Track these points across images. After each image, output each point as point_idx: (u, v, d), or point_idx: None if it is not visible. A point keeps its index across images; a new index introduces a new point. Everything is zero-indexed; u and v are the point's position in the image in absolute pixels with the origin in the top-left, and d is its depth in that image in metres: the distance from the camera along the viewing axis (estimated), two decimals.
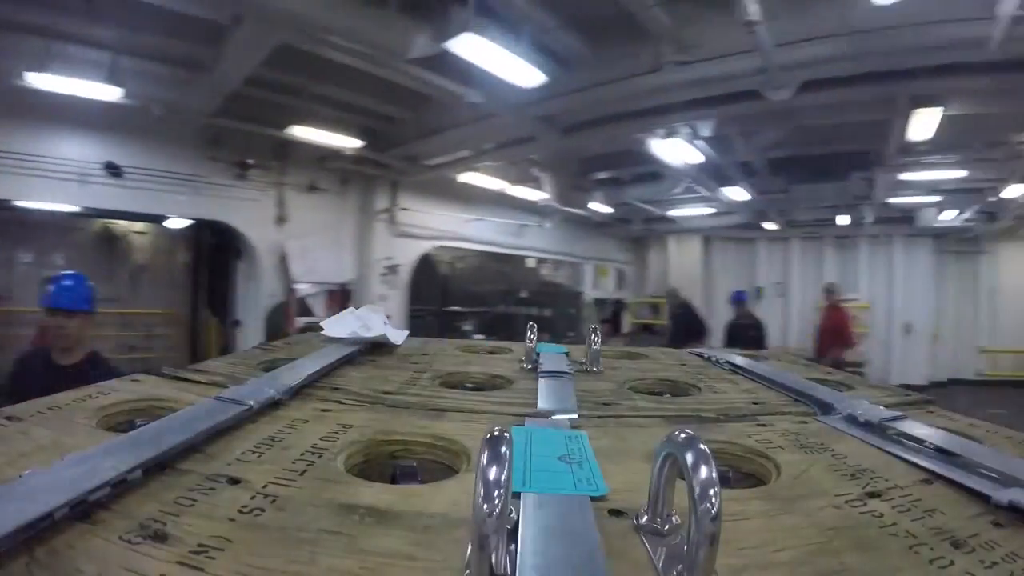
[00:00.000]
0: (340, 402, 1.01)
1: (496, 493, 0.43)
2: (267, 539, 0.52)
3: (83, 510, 0.53)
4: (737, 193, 8.84)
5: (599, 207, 10.03)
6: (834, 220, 11.39)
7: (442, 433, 0.83)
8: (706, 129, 6.11)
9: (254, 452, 0.73)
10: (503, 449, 0.47)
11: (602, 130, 5.90)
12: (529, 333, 1.45)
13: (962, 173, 8.08)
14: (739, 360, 1.53)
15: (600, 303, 13.60)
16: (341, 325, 1.61)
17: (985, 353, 11.96)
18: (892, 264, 12.80)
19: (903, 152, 7.09)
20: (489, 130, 5.93)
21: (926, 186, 9.11)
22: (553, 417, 0.95)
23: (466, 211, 9.13)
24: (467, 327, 9.38)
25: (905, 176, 8.14)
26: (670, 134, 5.92)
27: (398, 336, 1.66)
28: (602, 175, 9.08)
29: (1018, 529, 0.60)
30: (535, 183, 8.67)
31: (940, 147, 7.39)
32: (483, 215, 9.35)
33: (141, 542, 0.49)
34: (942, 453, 0.79)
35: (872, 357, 11.08)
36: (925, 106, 5.18)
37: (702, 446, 0.48)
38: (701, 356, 1.69)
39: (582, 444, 0.78)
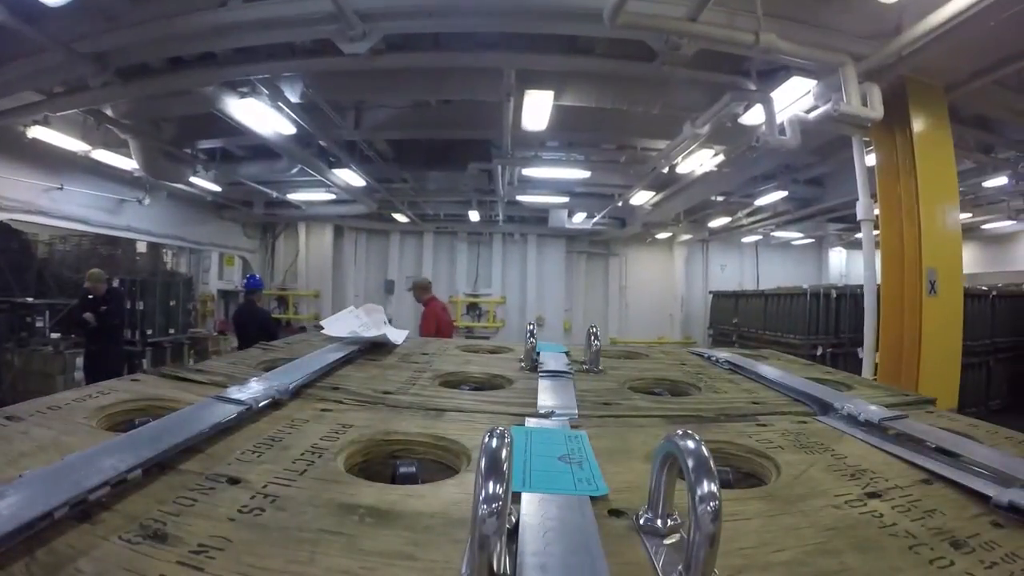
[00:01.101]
0: (340, 402, 1.01)
1: (496, 494, 0.43)
2: (267, 539, 0.52)
3: (83, 510, 0.53)
4: (350, 176, 8.22)
5: (204, 183, 8.77)
6: (467, 216, 11.85)
7: (442, 433, 0.83)
8: (293, 93, 5.56)
9: (254, 452, 0.73)
10: (503, 450, 0.47)
11: (166, 78, 5.11)
12: (528, 335, 1.45)
13: (586, 174, 8.24)
14: (739, 360, 1.53)
15: (227, 295, 12.56)
16: (341, 325, 1.61)
17: (616, 344, 13.08)
18: (526, 262, 14.04)
19: (523, 144, 7.01)
20: (42, 68, 4.83)
21: (552, 185, 9.44)
22: (553, 417, 0.95)
23: (48, 178, 7.36)
24: (40, 323, 7.78)
25: (529, 172, 8.21)
26: (249, 93, 5.28)
27: (398, 336, 1.66)
28: (206, 144, 7.96)
29: (1018, 529, 0.60)
30: (127, 149, 7.15)
31: (564, 145, 7.62)
32: (67, 184, 7.57)
33: (141, 542, 0.49)
34: (942, 453, 0.79)
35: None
36: (535, 87, 4.94)
37: (702, 447, 0.48)
38: (701, 356, 1.69)
39: (582, 444, 0.78)
